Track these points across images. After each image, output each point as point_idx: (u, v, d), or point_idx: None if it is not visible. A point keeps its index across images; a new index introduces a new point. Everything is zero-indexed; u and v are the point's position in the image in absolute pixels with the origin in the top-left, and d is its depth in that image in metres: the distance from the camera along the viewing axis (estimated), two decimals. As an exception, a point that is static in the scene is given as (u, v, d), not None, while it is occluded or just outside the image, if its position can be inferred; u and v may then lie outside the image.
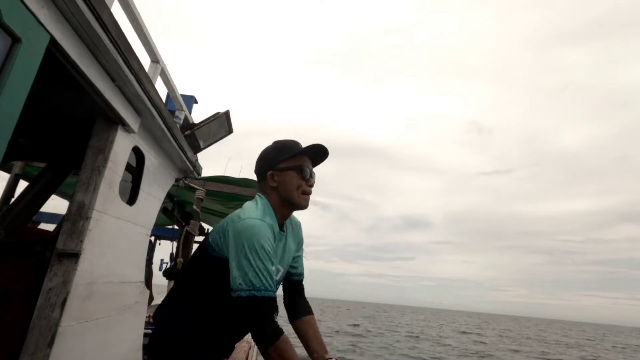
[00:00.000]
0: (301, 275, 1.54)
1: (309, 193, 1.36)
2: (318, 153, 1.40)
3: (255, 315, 1.14)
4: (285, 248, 1.41)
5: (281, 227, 1.37)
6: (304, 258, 1.55)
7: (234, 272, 1.16)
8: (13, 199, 2.95)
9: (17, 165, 3.23)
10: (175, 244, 5.04)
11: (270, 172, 1.36)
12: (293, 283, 1.50)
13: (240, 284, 1.14)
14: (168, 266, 5.02)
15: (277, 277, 1.34)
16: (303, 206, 1.37)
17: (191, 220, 3.82)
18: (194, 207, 3.75)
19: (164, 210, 4.49)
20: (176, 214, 4.39)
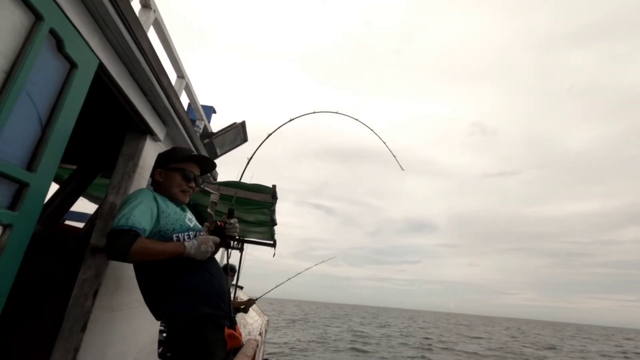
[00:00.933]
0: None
1: (188, 192, 1.69)
2: (206, 163, 1.75)
3: (111, 243, 1.33)
4: (187, 214, 1.68)
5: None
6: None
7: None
8: (45, 200, 3.17)
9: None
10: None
11: (159, 169, 1.68)
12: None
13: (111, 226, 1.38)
14: None
15: (189, 224, 1.62)
16: (181, 201, 1.68)
17: (205, 223, 3.99)
18: (208, 210, 3.92)
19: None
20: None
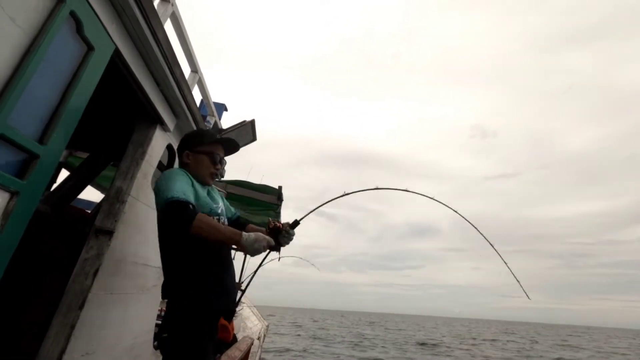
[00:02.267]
0: (235, 214, 1.89)
1: (215, 175, 1.71)
2: (230, 145, 1.77)
3: (175, 213, 1.33)
4: (214, 195, 1.72)
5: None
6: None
7: (161, 196, 1.39)
8: (55, 185, 3.27)
9: (62, 154, 3.57)
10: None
11: (186, 151, 1.69)
12: (233, 222, 1.84)
13: (163, 198, 1.37)
14: None
15: (221, 210, 1.66)
16: (208, 183, 1.70)
17: (269, 219, 4.05)
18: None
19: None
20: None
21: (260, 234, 1.54)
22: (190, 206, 1.36)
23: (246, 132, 2.88)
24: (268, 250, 1.64)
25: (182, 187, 1.43)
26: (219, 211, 1.66)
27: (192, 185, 1.55)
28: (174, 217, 1.34)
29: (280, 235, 1.63)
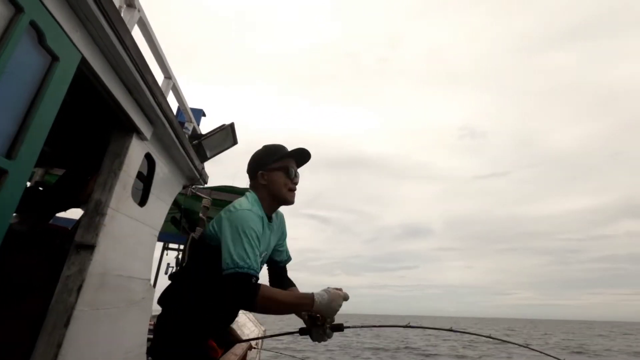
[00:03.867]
0: (287, 260, 1.80)
1: (294, 190, 1.60)
2: (302, 155, 1.66)
3: (237, 289, 1.32)
4: (271, 236, 1.64)
5: (269, 218, 1.61)
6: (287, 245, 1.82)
7: (225, 254, 1.36)
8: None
9: (38, 173, 3.46)
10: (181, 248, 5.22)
11: (260, 172, 1.61)
12: (280, 268, 1.73)
13: (228, 263, 1.34)
14: (174, 270, 5.19)
15: (261, 259, 1.55)
16: (290, 201, 1.62)
17: (197, 227, 4.00)
18: (200, 214, 3.93)
19: (172, 220, 4.68)
20: (183, 222, 4.57)
21: (333, 289, 1.38)
22: (253, 280, 1.31)
23: (226, 136, 2.86)
24: (297, 332, 1.56)
25: (252, 251, 1.34)
26: (268, 251, 1.58)
27: (262, 229, 1.45)
28: (237, 295, 1.31)
29: (315, 329, 1.46)
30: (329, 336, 1.47)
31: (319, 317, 1.45)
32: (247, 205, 1.49)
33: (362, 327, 1.72)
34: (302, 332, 1.54)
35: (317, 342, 1.51)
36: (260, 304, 1.29)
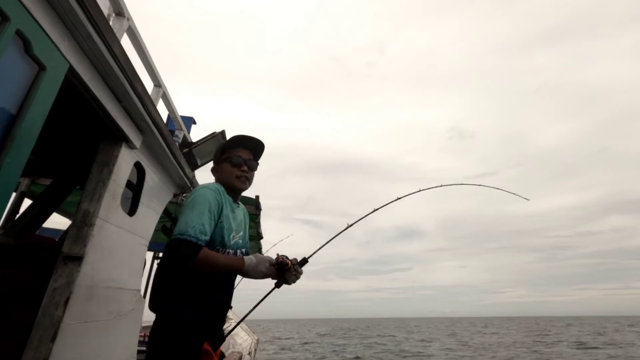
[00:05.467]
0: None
1: (242, 176, 1.70)
2: (255, 144, 1.76)
3: (175, 253, 1.37)
4: (241, 219, 1.73)
5: (234, 200, 1.72)
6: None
7: (177, 224, 1.44)
8: (18, 215, 3.09)
9: (24, 183, 3.39)
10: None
11: (213, 167, 1.77)
12: None
13: (176, 230, 1.41)
14: None
15: (239, 240, 1.67)
16: (240, 187, 1.71)
17: (277, 253, 3.96)
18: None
19: (162, 228, 4.62)
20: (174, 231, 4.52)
21: (261, 255, 1.56)
22: (193, 243, 1.37)
23: (217, 143, 2.84)
24: (273, 286, 1.66)
25: (198, 218, 1.43)
26: (233, 242, 1.62)
27: (219, 205, 1.54)
28: (173, 256, 1.38)
29: (288, 273, 1.58)
30: (301, 272, 1.64)
31: (284, 260, 1.60)
32: (205, 184, 1.62)
33: (327, 242, 1.91)
34: (278, 284, 1.65)
35: (293, 283, 1.66)
36: (198, 265, 1.38)
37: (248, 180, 1.74)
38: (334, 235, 1.98)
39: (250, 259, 1.51)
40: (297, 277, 1.63)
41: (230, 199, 1.68)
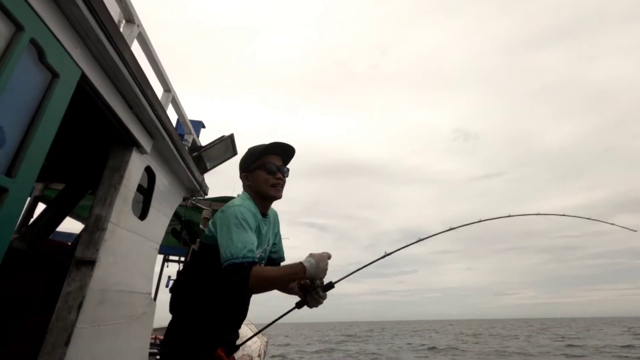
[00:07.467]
0: (282, 258, 1.85)
1: (277, 184, 1.64)
2: (283, 149, 1.69)
3: (233, 278, 1.35)
4: (268, 232, 1.69)
5: (263, 215, 1.66)
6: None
7: (221, 250, 1.41)
8: (32, 220, 3.15)
9: (38, 188, 3.45)
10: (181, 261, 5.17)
11: (244, 174, 1.69)
12: (276, 265, 1.80)
13: (223, 257, 1.37)
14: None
15: (262, 253, 1.62)
16: (274, 196, 1.65)
17: (197, 239, 3.97)
18: (201, 226, 3.91)
19: (172, 231, 4.66)
20: (183, 234, 4.55)
21: (315, 253, 1.47)
22: (245, 264, 1.34)
23: (226, 147, 2.86)
24: (294, 305, 1.60)
25: (239, 240, 1.39)
26: (267, 247, 1.63)
27: (257, 223, 1.51)
28: (234, 284, 1.36)
29: (310, 296, 1.50)
30: (324, 297, 1.54)
31: (309, 283, 1.51)
32: (238, 202, 1.55)
33: (352, 273, 1.74)
34: (298, 305, 1.57)
35: (315, 308, 1.58)
36: (255, 284, 1.34)
37: (282, 188, 1.67)
38: (369, 262, 1.79)
39: (309, 261, 1.42)
40: (320, 303, 1.53)
41: (260, 212, 1.62)
